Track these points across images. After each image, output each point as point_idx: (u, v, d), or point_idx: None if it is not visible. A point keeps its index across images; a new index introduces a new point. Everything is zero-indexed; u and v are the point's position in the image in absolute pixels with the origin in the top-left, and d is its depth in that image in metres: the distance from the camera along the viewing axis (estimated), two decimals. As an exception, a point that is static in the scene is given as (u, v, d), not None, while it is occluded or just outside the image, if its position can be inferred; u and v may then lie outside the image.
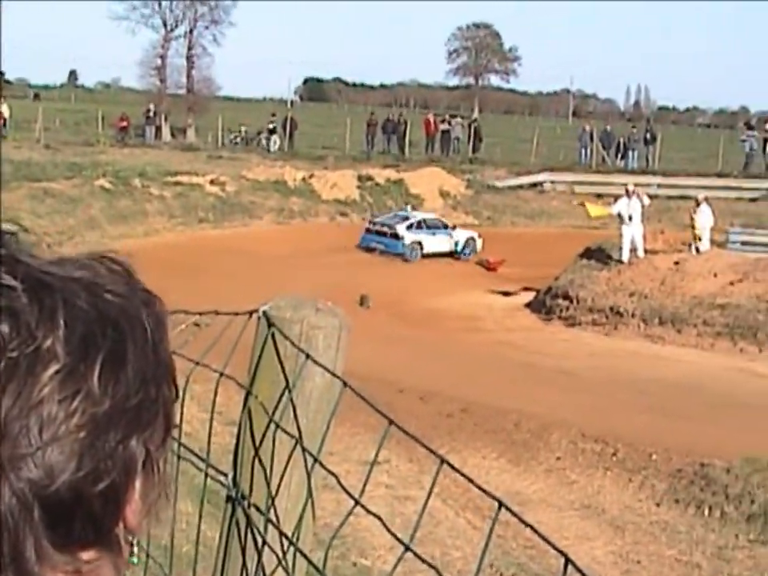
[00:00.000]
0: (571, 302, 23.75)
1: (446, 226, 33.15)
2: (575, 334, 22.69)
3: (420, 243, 32.19)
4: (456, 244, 32.79)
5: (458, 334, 22.38)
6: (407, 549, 1.27)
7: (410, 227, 32.25)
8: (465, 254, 32.52)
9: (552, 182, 42.57)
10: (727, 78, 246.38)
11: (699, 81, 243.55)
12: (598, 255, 28.41)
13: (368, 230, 33.22)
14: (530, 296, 26.20)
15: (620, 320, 22.68)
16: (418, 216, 33.41)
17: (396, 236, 32.03)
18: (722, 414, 16.03)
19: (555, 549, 1.14)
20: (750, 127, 53.42)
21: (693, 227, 27.19)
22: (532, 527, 1.19)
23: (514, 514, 1.16)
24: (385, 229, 32.50)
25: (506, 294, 27.04)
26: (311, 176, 39.29)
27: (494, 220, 38.34)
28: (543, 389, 17.12)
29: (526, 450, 13.37)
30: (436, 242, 32.45)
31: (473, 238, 33.22)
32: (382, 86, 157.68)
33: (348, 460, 11.27)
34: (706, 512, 11.85)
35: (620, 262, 26.46)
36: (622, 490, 12.50)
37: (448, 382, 16.58)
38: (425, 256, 32.07)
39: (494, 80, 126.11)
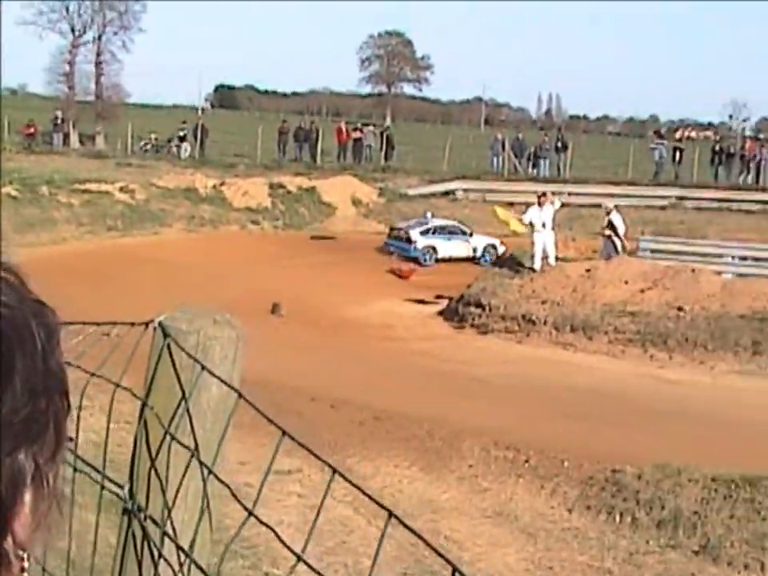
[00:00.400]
0: (483, 309, 23.84)
1: (464, 233, 33.45)
2: (487, 342, 22.79)
3: (434, 248, 32.86)
4: (474, 250, 33.08)
5: (370, 342, 22.39)
6: (299, 559, 1.26)
7: (424, 232, 32.83)
8: (485, 260, 32.72)
9: (464, 190, 42.81)
10: (637, 87, 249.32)
11: (610, 90, 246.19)
12: (510, 263, 28.65)
13: (389, 235, 34.23)
14: (442, 304, 26.28)
15: (532, 327, 22.82)
16: (435, 222, 33.90)
17: (409, 240, 32.66)
18: (633, 421, 16.20)
19: (443, 558, 1.14)
20: (659, 136, 54.27)
21: (616, 234, 27.55)
22: (421, 537, 1.20)
23: (405, 525, 1.17)
24: (401, 234, 33.24)
25: (419, 302, 27.09)
26: (222, 184, 39.10)
27: (407, 228, 38.43)
28: (456, 396, 17.18)
29: (438, 458, 13.41)
30: (452, 247, 32.92)
31: (493, 245, 33.42)
32: (294, 93, 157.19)
33: (259, 470, 11.18)
34: (618, 518, 11.97)
35: (532, 269, 26.68)
36: (534, 497, 12.58)
37: (360, 390, 16.57)
38: (440, 260, 32.52)
39: (407, 88, 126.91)
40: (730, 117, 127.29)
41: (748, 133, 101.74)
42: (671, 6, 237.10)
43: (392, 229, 34.50)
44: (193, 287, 23.80)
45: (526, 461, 13.39)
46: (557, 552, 11.18)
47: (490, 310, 23.70)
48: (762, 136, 79.20)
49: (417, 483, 12.65)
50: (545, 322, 22.77)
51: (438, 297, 26.92)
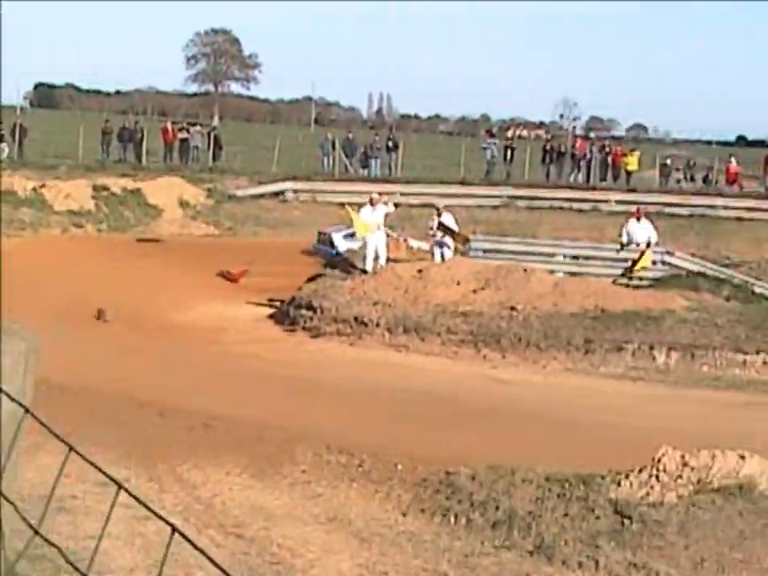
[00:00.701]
0: (315, 312, 23.86)
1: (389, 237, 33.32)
2: (320, 345, 22.82)
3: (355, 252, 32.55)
4: None
5: (200, 347, 22.22)
6: (81, 574, 1.22)
7: (347, 236, 32.54)
8: None
9: (294, 191, 42.76)
10: (468, 86, 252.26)
11: (441, 88, 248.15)
12: (342, 264, 28.74)
13: (317, 240, 34.01)
14: (273, 307, 26.20)
15: (364, 329, 22.92)
16: None
17: (332, 244, 32.38)
18: (467, 422, 16.38)
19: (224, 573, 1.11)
20: (491, 135, 55.21)
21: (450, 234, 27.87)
22: (203, 552, 1.17)
23: (188, 540, 1.14)
24: (324, 238, 32.91)
25: (251, 304, 26.96)
26: (42, 186, 38.30)
27: (236, 230, 38.25)
28: (287, 401, 17.15)
29: (270, 464, 13.32)
30: None
31: (423, 249, 33.35)
32: (118, 92, 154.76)
33: (85, 481, 10.98)
34: (452, 520, 12.05)
35: (364, 271, 26.83)
36: (368, 501, 12.59)
37: (189, 396, 16.42)
38: None
39: (234, 87, 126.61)
40: (561, 116, 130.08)
41: (578, 132, 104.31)
42: (499, 5, 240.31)
43: (319, 233, 34.42)
44: (13, 294, 23.26)
45: (360, 465, 13.40)
46: (391, 556, 11.20)
47: (322, 312, 23.73)
48: (592, 135, 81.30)
49: (248, 490, 12.55)
50: (377, 324, 22.90)
51: (270, 300, 26.83)
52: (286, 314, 24.87)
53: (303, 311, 24.19)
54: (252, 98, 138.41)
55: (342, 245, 32.77)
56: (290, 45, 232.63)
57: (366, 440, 14.33)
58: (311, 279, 27.60)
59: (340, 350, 22.36)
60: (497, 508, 12.04)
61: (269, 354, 21.69)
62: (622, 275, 27.82)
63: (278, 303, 26.19)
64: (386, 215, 27.92)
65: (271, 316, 25.65)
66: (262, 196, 42.33)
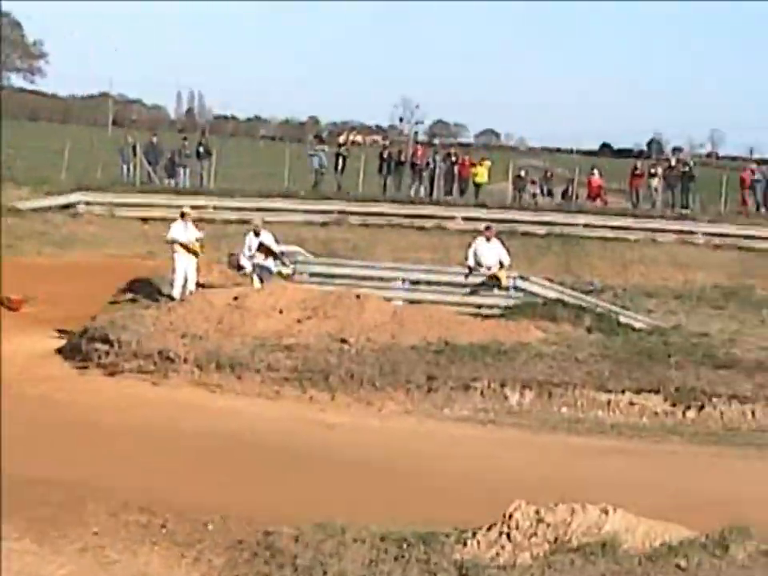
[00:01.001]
0: (112, 346, 23.55)
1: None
2: (117, 384, 22.52)
3: None
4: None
5: (-30, 389, 21.74)
6: None
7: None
8: None
9: (88, 204, 42.24)
10: (294, 84, 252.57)
11: (262, 87, 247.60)
12: (146, 290, 28.50)
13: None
14: (62, 340, 25.80)
15: (171, 366, 22.72)
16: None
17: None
18: (290, 474, 16.38)
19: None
20: (320, 140, 55.34)
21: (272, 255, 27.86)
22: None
23: None
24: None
25: (34, 337, 26.51)
26: None
27: (17, 248, 37.54)
28: (78, 451, 16.91)
29: (53, 527, 13.09)
30: None
31: None
32: None
33: None
34: (272, 588, 12.01)
35: (171, 297, 26.63)
36: (173, 567, 12.46)
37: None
38: None
39: (15, 79, 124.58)
40: (401, 119, 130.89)
41: (421, 138, 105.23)
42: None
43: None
44: None
45: (163, 525, 13.27)
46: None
47: (120, 346, 23.45)
48: (436, 141, 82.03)
49: (28, 557, 12.31)
50: (185, 360, 22.72)
51: (60, 331, 26.41)
52: (76, 348, 24.49)
53: (98, 345, 23.86)
54: (37, 93, 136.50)
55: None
56: (83, 32, 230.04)
57: (170, 496, 14.20)
58: (113, 303, 27.30)
59: (141, 389, 22.12)
60: (324, 573, 12.01)
61: (55, 396, 21.35)
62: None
63: (66, 335, 25.81)
64: (200, 240, 27.81)
65: (59, 351, 25.23)
66: (48, 209, 41.71)
